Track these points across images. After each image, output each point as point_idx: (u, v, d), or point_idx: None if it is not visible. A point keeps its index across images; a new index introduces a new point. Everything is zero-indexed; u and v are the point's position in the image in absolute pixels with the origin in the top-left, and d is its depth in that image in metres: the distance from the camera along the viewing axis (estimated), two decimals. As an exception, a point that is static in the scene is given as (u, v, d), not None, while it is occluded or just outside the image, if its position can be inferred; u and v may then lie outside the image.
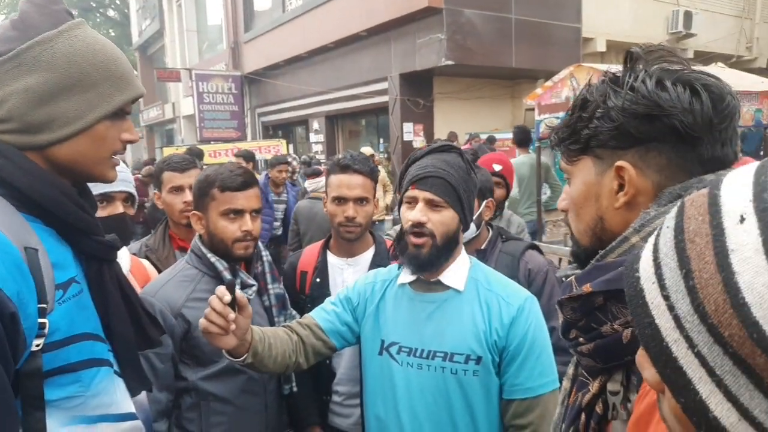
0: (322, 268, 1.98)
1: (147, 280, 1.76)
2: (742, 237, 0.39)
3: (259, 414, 1.72)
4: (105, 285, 1.08)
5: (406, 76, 10.09)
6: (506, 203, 2.94)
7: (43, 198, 0.95)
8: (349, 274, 1.93)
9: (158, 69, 17.46)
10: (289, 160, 6.51)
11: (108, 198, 1.57)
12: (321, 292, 1.91)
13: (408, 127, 10.32)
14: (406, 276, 1.50)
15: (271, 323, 1.75)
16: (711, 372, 0.41)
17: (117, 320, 1.09)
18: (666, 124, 0.74)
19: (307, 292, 1.97)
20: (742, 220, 0.40)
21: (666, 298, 0.44)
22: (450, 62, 8.99)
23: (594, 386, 0.80)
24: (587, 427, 0.80)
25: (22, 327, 0.85)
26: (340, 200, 1.87)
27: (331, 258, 1.99)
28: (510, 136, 8.65)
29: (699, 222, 0.43)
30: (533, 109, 5.70)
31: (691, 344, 0.41)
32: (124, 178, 1.59)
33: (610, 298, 0.75)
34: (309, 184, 5.25)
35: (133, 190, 1.64)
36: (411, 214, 1.40)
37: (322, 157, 11.51)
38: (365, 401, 1.58)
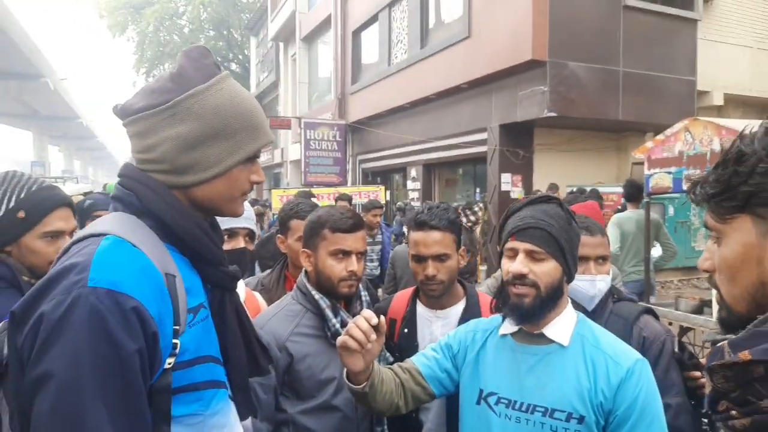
0: (410, 318, 1.93)
1: (257, 312, 1.86)
2: None
3: (351, 454, 1.73)
4: (225, 312, 1.17)
5: (506, 126, 10.06)
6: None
7: (184, 231, 1.06)
8: (437, 327, 1.88)
9: (271, 117, 18.74)
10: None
11: (233, 233, 1.70)
12: (409, 343, 1.87)
13: (506, 177, 10.20)
14: (508, 327, 1.47)
15: None
16: None
17: (233, 346, 1.17)
18: None
19: (395, 341, 1.94)
20: None
21: None
22: (552, 114, 8.87)
23: None
24: None
25: (160, 345, 0.94)
26: (419, 258, 1.83)
27: (420, 309, 1.94)
28: (615, 189, 8.32)
29: None
30: (642, 163, 5.43)
31: None
32: (248, 216, 1.72)
33: None
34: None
35: (255, 227, 1.77)
36: (512, 266, 1.39)
37: (417, 204, 11.65)
38: (460, 452, 1.54)
